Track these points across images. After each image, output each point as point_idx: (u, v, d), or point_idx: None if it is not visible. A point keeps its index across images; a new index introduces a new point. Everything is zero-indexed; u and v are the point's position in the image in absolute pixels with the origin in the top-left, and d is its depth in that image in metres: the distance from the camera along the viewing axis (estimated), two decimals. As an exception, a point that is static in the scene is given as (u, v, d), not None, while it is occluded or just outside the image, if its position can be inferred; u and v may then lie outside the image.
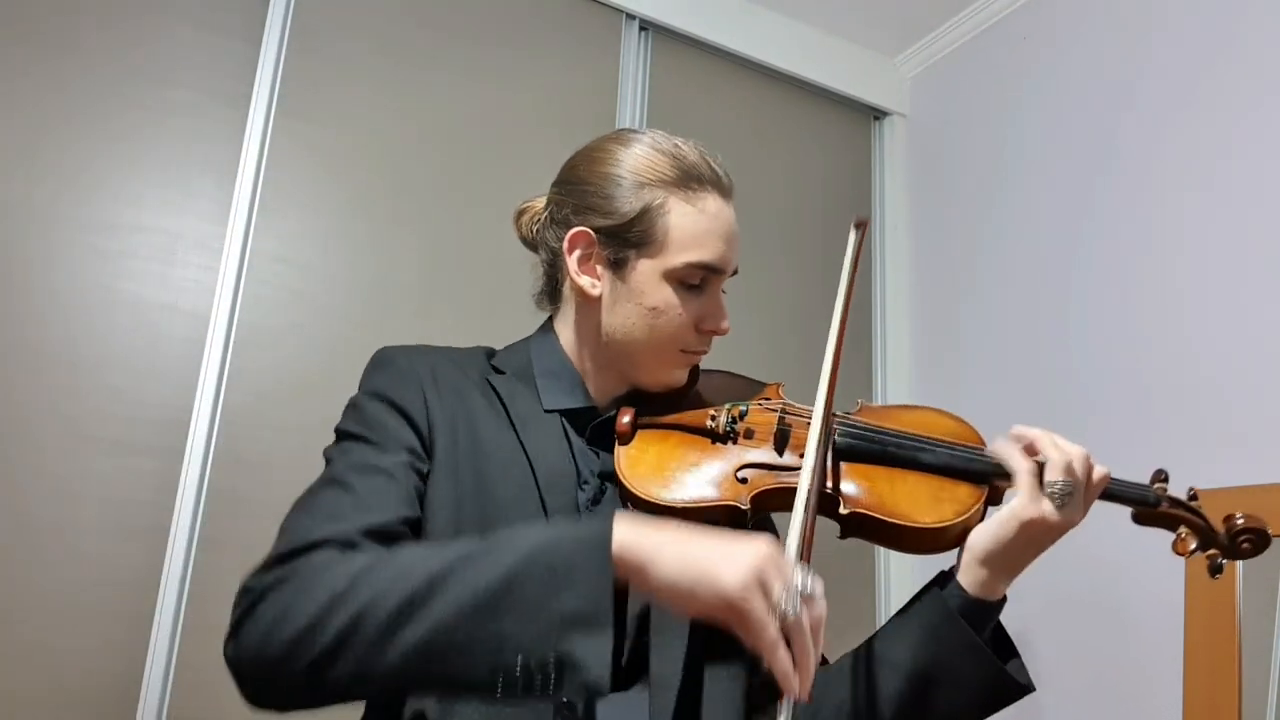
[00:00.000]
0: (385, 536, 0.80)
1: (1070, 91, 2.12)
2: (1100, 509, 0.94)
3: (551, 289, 1.02)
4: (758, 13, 2.42)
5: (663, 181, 0.93)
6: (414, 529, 0.84)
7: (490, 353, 1.02)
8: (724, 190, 0.97)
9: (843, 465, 0.91)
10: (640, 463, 0.90)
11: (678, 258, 0.92)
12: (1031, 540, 0.87)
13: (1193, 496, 0.96)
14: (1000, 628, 0.93)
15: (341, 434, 0.89)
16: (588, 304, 0.97)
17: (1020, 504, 0.86)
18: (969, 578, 0.89)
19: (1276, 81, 1.70)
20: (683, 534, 0.73)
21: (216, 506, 1.63)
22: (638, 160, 0.95)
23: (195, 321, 1.69)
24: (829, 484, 0.89)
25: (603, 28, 2.22)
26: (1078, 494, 0.87)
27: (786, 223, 2.40)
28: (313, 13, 1.90)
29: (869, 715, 0.89)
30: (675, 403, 0.98)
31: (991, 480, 0.90)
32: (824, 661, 0.97)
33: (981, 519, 0.91)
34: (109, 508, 1.57)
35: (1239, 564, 1.56)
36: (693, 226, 0.93)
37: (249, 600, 0.74)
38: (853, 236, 0.96)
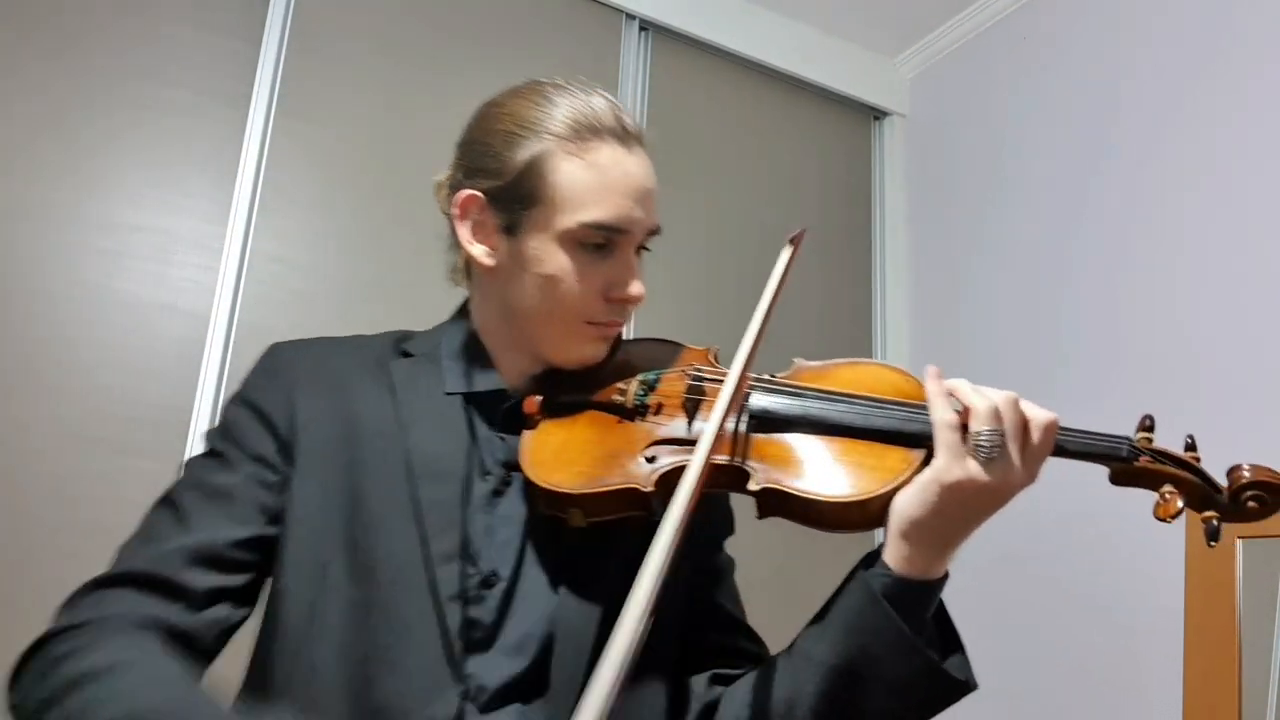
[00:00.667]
0: (208, 560, 0.77)
1: (1069, 91, 2.12)
2: (1082, 475, 0.80)
3: (464, 264, 0.93)
4: (758, 13, 2.42)
5: (548, 133, 0.82)
6: (256, 545, 0.80)
7: (407, 336, 0.94)
8: (625, 139, 0.84)
9: (757, 436, 0.79)
10: (543, 448, 0.82)
11: (570, 218, 0.81)
12: (962, 506, 0.72)
13: (1190, 445, 0.78)
14: (943, 614, 0.79)
15: (206, 441, 0.86)
16: (488, 276, 0.88)
17: (942, 463, 0.72)
18: (894, 553, 0.74)
19: (1274, 81, 1.70)
20: None
21: (216, 507, 1.63)
22: (522, 110, 0.85)
23: (194, 321, 1.69)
24: (739, 456, 0.77)
25: (603, 28, 2.22)
26: (1010, 447, 0.72)
27: (786, 223, 2.39)
28: (313, 13, 1.90)
29: (791, 718, 0.77)
30: (592, 379, 0.87)
31: (930, 443, 0.74)
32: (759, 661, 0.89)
33: None
34: (108, 508, 1.57)
35: (1239, 571, 1.56)
36: (585, 182, 0.81)
37: (50, 635, 0.76)
38: (786, 252, 0.86)
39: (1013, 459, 0.73)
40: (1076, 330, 1.98)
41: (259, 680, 0.80)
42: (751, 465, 0.77)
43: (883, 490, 0.74)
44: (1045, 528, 1.95)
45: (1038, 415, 0.74)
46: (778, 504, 0.76)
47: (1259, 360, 1.63)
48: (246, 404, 0.86)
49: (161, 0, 1.78)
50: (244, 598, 0.81)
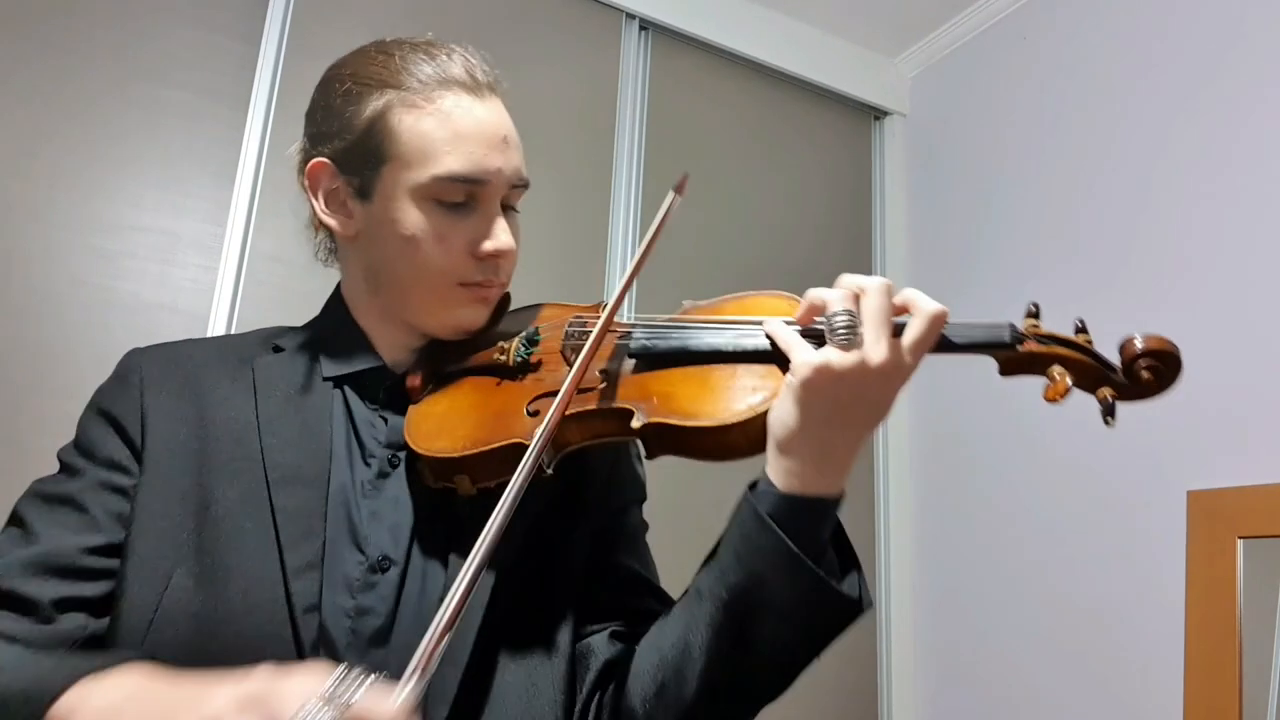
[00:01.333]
0: (55, 569, 0.74)
1: (1070, 91, 2.12)
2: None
3: (329, 241, 0.89)
4: (758, 13, 2.42)
5: (388, 85, 0.79)
6: (111, 552, 0.76)
7: (283, 331, 0.91)
8: (476, 89, 0.81)
9: (638, 375, 0.76)
10: (426, 419, 0.79)
11: (421, 172, 0.77)
12: (830, 401, 0.66)
13: (1080, 328, 0.74)
14: (842, 537, 0.73)
15: (62, 452, 0.83)
16: (349, 248, 0.85)
17: (796, 357, 0.67)
18: (776, 469, 0.69)
19: (1277, 80, 1.70)
20: (153, 697, 0.63)
21: (216, 507, 1.63)
22: (363, 68, 0.82)
23: (194, 322, 1.69)
24: (621, 398, 0.75)
25: (603, 28, 2.22)
26: (865, 323, 0.66)
27: (786, 223, 2.40)
28: (312, 13, 1.90)
29: (684, 665, 0.73)
30: (474, 347, 0.84)
31: None
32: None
33: None
34: (108, 508, 1.57)
35: (1239, 571, 1.56)
36: (432, 133, 0.77)
37: None
38: (670, 197, 0.82)
39: (873, 340, 0.66)
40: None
41: None
42: (635, 405, 0.74)
43: (764, 408, 0.70)
44: (1045, 528, 1.95)
45: (922, 303, 0.69)
46: (662, 440, 0.73)
47: (1265, 361, 1.63)
48: (96, 410, 0.84)
49: (161, 0, 1.78)
50: (103, 608, 0.76)
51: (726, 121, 2.37)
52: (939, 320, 0.69)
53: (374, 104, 0.79)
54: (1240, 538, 1.57)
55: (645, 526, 0.93)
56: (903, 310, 0.70)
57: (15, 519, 0.79)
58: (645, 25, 2.27)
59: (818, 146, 2.50)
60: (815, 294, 0.71)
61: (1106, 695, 1.77)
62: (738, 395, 0.72)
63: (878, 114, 2.61)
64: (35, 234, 1.61)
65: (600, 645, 0.81)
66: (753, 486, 0.72)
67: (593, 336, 0.73)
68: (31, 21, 1.67)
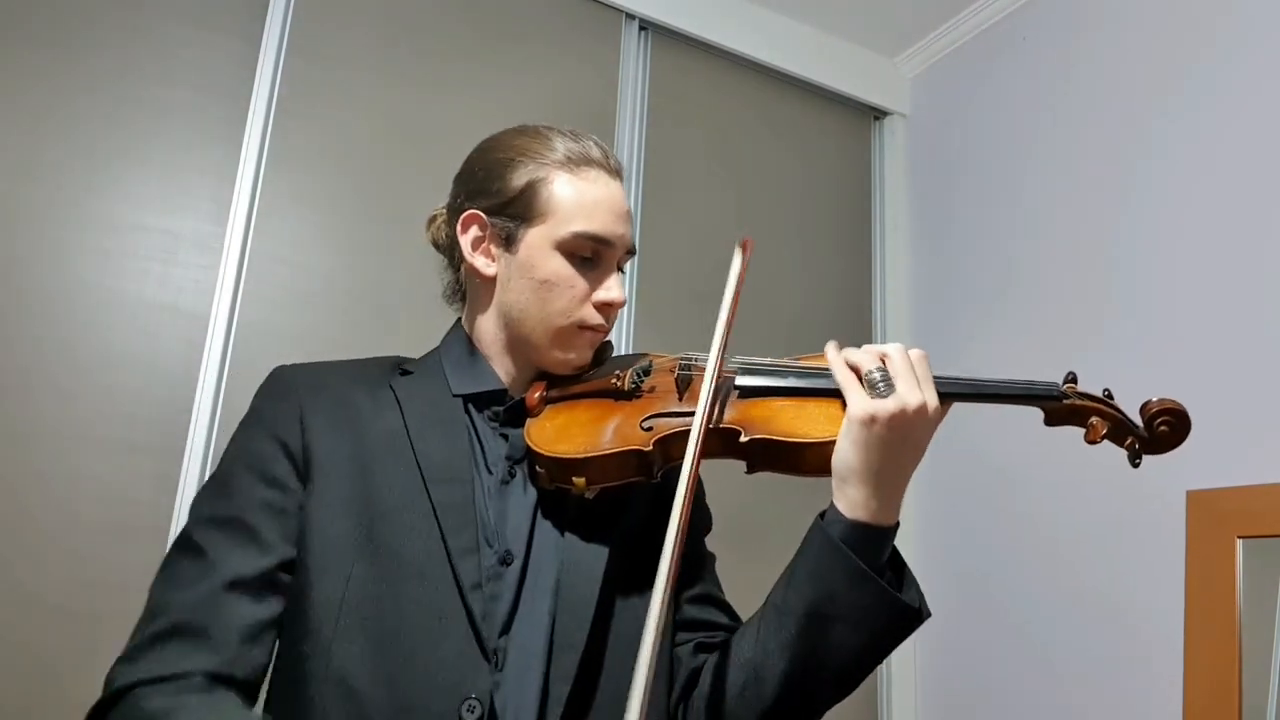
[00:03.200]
0: (244, 586, 0.84)
1: (1069, 91, 2.12)
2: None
3: (458, 284, 1.05)
4: (758, 13, 2.42)
5: (548, 159, 0.95)
6: (286, 567, 0.86)
7: (402, 360, 1.03)
8: (610, 170, 0.97)
9: (744, 401, 0.91)
10: (546, 429, 0.92)
11: (564, 227, 0.93)
12: (880, 442, 0.81)
13: (1107, 394, 0.91)
14: (897, 557, 0.88)
15: (216, 472, 0.92)
16: (486, 286, 0.98)
17: (850, 405, 0.83)
18: (841, 501, 0.84)
19: (1275, 79, 1.70)
20: None
21: (216, 506, 1.63)
22: (524, 142, 0.97)
23: (195, 321, 1.69)
24: (728, 420, 0.89)
25: (603, 28, 2.22)
26: (897, 379, 0.83)
27: (786, 223, 2.40)
28: (312, 12, 1.90)
29: (763, 670, 0.86)
30: (581, 379, 0.98)
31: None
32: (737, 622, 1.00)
33: None
34: (109, 507, 1.57)
35: (1239, 571, 1.56)
36: (578, 197, 0.94)
37: (132, 687, 0.80)
38: (738, 255, 0.96)
39: (906, 387, 0.82)
40: (1079, 330, 1.98)
41: (288, 683, 0.85)
42: (740, 425, 0.88)
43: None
44: (1045, 529, 1.96)
45: (913, 351, 0.86)
46: (764, 454, 0.88)
47: (1266, 362, 1.63)
48: (257, 427, 0.92)
49: (162, 1, 1.78)
50: (279, 624, 0.87)
51: (726, 121, 2.37)
52: (923, 357, 0.87)
53: (531, 172, 0.95)
54: (1240, 538, 1.58)
55: (713, 555, 1.07)
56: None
57: (188, 544, 0.87)
58: (645, 25, 2.28)
59: (818, 146, 2.50)
60: (850, 353, 0.87)
61: (1107, 694, 1.77)
62: (826, 422, 0.87)
63: (878, 114, 2.61)
64: (36, 234, 1.61)
65: (686, 656, 0.96)
66: (821, 516, 0.86)
67: (713, 366, 0.86)
68: (32, 22, 1.67)
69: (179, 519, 1.60)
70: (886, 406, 0.81)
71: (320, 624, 0.83)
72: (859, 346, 0.89)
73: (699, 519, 1.05)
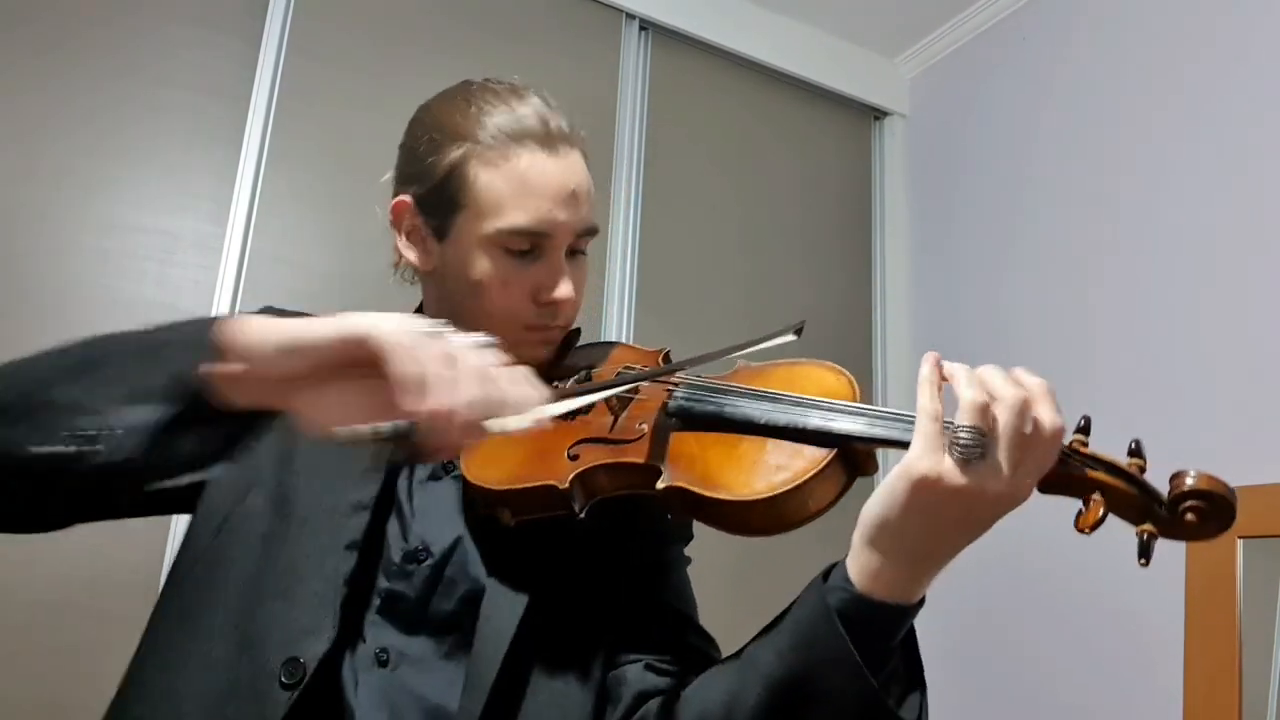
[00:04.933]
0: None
1: (1070, 91, 2.12)
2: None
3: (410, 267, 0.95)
4: (758, 13, 2.42)
5: (467, 138, 0.83)
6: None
7: None
8: (549, 142, 0.83)
9: (675, 433, 0.76)
10: (484, 446, 0.80)
11: (490, 223, 0.81)
12: (934, 512, 0.63)
13: (1134, 451, 0.67)
14: (911, 645, 0.70)
15: None
16: (426, 279, 0.91)
17: (913, 454, 0.62)
18: (858, 565, 0.66)
19: (1274, 72, 1.70)
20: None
21: (216, 507, 1.63)
22: (448, 115, 0.86)
23: (195, 321, 1.69)
24: (651, 455, 0.75)
25: (603, 28, 2.22)
26: (997, 450, 0.62)
27: (787, 222, 2.40)
28: (312, 13, 1.90)
29: None
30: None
31: (845, 443, 0.70)
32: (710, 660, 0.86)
33: (840, 493, 0.71)
34: (109, 508, 1.57)
35: (1239, 571, 1.56)
36: (502, 187, 0.81)
37: None
38: (787, 337, 0.82)
39: (999, 466, 0.62)
40: (1078, 330, 1.98)
41: (167, 590, 0.82)
42: (664, 465, 0.74)
43: (783, 489, 0.68)
44: (1044, 528, 1.95)
45: (1046, 419, 0.63)
46: (684, 504, 0.73)
47: (1268, 362, 1.63)
48: None
49: (162, 1, 1.78)
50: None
51: (726, 121, 2.37)
52: (1058, 439, 0.64)
53: (452, 155, 0.83)
54: (1240, 538, 1.57)
55: (688, 561, 0.95)
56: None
57: None
58: (645, 25, 2.27)
59: (818, 146, 2.50)
60: (951, 371, 0.67)
61: (1106, 694, 1.77)
62: (763, 471, 0.70)
63: (878, 114, 2.61)
64: (36, 234, 1.61)
65: (634, 676, 0.82)
66: (826, 575, 0.70)
67: (597, 387, 0.75)
68: (32, 22, 1.67)
69: (179, 518, 1.60)
70: (959, 479, 0.61)
71: (195, 536, 0.80)
72: (952, 362, 0.68)
73: (665, 527, 0.92)
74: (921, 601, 0.68)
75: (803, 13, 2.45)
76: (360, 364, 0.60)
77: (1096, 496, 0.66)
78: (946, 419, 0.64)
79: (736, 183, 2.35)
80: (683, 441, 0.76)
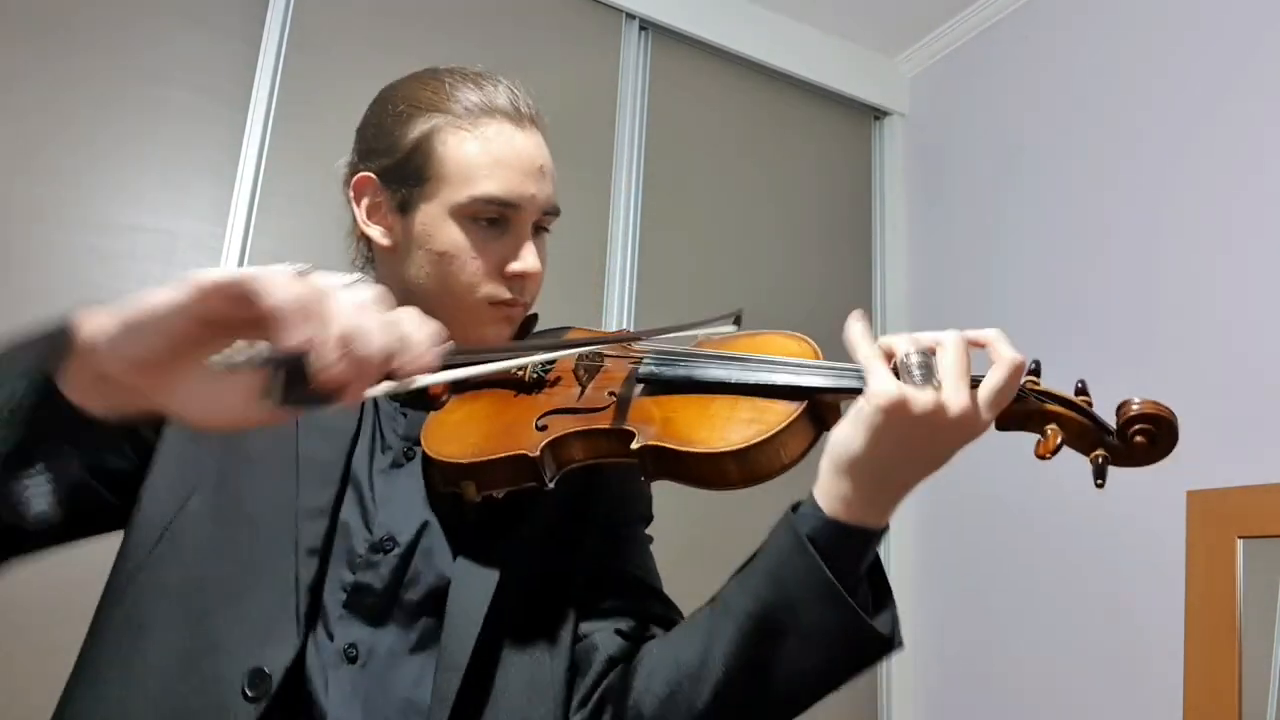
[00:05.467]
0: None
1: (1070, 91, 2.12)
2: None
3: (366, 249, 0.94)
4: (758, 13, 2.42)
5: (437, 109, 0.84)
6: (141, 446, 0.77)
7: None
8: (519, 119, 0.85)
9: (644, 399, 0.78)
10: (442, 425, 0.82)
11: (461, 191, 0.82)
12: (901, 436, 0.66)
13: (1080, 389, 0.74)
14: (879, 571, 0.73)
15: None
16: (385, 257, 0.89)
17: (871, 386, 0.67)
18: (828, 492, 0.70)
19: (1273, 73, 1.70)
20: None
21: (216, 507, 1.63)
22: (417, 92, 0.86)
23: (195, 322, 1.69)
24: (623, 421, 0.77)
25: (603, 28, 2.22)
26: (945, 369, 0.68)
27: (785, 222, 2.40)
28: (312, 13, 1.90)
29: (700, 675, 0.73)
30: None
31: (813, 394, 0.73)
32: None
33: (810, 444, 0.74)
34: (109, 508, 1.57)
35: (1239, 571, 1.56)
36: (475, 156, 0.82)
37: None
38: (727, 326, 0.85)
39: (952, 389, 0.67)
40: (1078, 330, 1.98)
41: (106, 600, 0.79)
42: (637, 427, 0.76)
43: (758, 439, 0.71)
44: (1045, 529, 1.95)
45: (1003, 349, 0.71)
46: (658, 463, 0.74)
47: (1268, 363, 1.63)
48: None
49: (162, 2, 1.78)
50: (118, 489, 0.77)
51: (726, 121, 2.37)
52: (1019, 370, 0.70)
53: (422, 126, 0.84)
54: (1240, 538, 1.58)
55: (650, 540, 0.95)
56: (978, 345, 0.72)
57: None
58: (645, 25, 2.27)
59: (818, 146, 2.50)
60: (884, 341, 0.71)
61: (1106, 694, 1.77)
62: (735, 426, 0.73)
63: (878, 114, 2.61)
64: (36, 234, 1.61)
65: (604, 641, 0.83)
66: (795, 508, 0.72)
67: (549, 346, 0.76)
68: (32, 23, 1.67)
69: (179, 519, 1.61)
70: (923, 396, 0.66)
71: (135, 545, 0.76)
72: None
73: (626, 504, 0.93)
74: (886, 528, 0.72)
75: (803, 12, 2.45)
76: (228, 326, 0.53)
77: (1052, 427, 0.71)
78: (896, 360, 0.71)
79: (736, 182, 2.35)
80: (653, 405, 0.78)
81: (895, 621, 0.72)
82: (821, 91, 2.51)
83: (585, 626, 0.84)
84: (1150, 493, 1.72)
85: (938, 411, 0.66)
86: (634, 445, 0.74)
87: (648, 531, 0.96)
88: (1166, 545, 1.70)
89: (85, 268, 1.64)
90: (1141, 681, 1.70)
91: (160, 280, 1.75)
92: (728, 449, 0.71)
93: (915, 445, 0.67)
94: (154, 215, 1.71)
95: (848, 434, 0.69)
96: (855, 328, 0.73)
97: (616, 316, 2.07)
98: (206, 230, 1.74)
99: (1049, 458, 0.70)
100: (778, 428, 0.71)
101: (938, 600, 2.18)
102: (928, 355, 0.69)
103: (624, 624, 0.85)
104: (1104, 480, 0.69)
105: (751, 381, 0.75)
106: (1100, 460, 0.70)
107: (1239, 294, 1.69)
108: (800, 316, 2.31)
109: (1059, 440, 0.70)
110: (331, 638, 0.76)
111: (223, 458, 0.79)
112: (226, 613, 0.73)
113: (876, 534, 0.71)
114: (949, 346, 0.70)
